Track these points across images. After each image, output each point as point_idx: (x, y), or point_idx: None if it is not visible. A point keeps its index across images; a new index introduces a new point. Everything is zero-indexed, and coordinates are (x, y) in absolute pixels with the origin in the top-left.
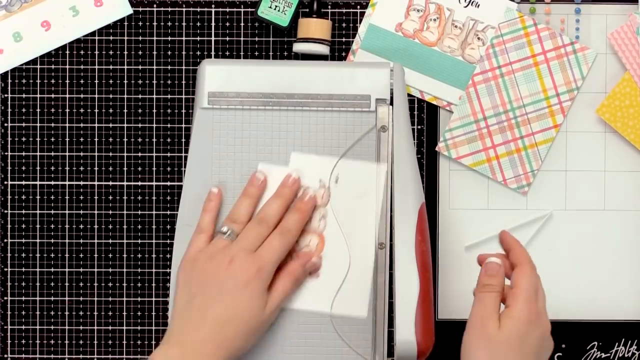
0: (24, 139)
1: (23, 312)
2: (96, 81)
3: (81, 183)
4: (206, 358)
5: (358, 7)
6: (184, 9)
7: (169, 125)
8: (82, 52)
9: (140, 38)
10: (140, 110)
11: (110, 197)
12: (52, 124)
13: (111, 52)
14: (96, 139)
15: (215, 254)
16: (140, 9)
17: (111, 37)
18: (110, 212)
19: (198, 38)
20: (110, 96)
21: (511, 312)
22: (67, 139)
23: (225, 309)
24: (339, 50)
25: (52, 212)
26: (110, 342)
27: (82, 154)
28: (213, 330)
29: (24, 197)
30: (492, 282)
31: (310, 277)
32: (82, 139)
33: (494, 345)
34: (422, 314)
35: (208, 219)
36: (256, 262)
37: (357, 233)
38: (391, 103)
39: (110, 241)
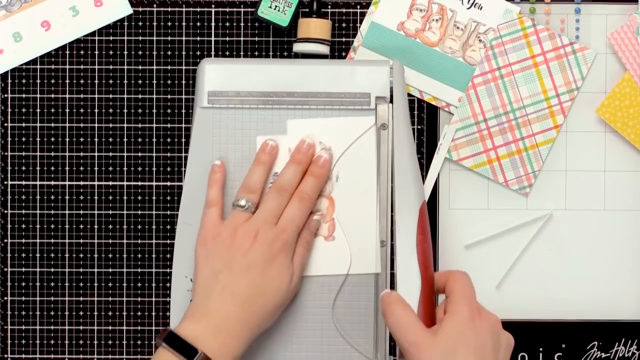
0: (24, 139)
1: (23, 312)
2: (96, 81)
3: (81, 183)
4: (234, 332)
5: (358, 6)
6: (184, 9)
7: (169, 125)
8: (82, 52)
9: (140, 38)
10: (140, 110)
11: (110, 197)
12: (52, 124)
13: (111, 52)
14: (96, 139)
15: (238, 228)
16: (140, 9)
17: (111, 37)
18: (110, 212)
19: (198, 38)
20: (110, 96)
21: (450, 314)
22: (67, 139)
23: (252, 284)
24: (339, 50)
25: (52, 212)
26: (110, 342)
27: (82, 154)
28: (240, 306)
29: (24, 197)
30: (392, 299)
31: (326, 240)
32: (82, 139)
33: (439, 349)
34: (424, 311)
35: (215, 191)
36: (280, 235)
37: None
38: (391, 101)
39: (110, 241)
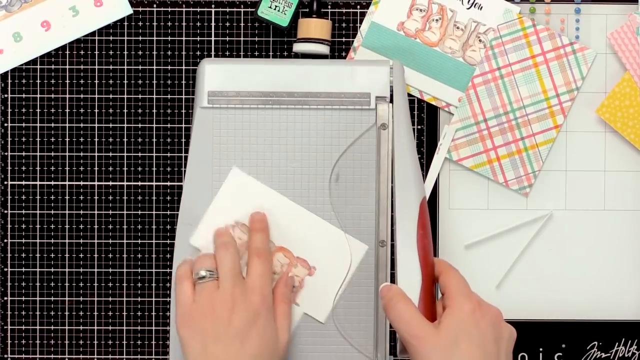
0: (24, 139)
1: (23, 312)
2: (96, 81)
3: (81, 183)
4: None
5: (358, 7)
6: (184, 9)
7: (169, 125)
8: (82, 52)
9: (140, 38)
10: (140, 110)
11: (110, 197)
12: (52, 124)
13: (111, 52)
14: (96, 139)
15: (213, 300)
16: (140, 9)
17: (111, 37)
18: (110, 212)
19: (198, 38)
20: (110, 96)
21: (450, 309)
22: (67, 139)
23: (243, 350)
24: (339, 50)
25: (52, 212)
26: (110, 342)
27: (82, 154)
28: None
29: (24, 197)
30: (393, 294)
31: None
32: (82, 139)
33: (442, 341)
34: (425, 306)
35: (185, 267)
36: (256, 292)
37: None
38: (391, 101)
39: (110, 241)
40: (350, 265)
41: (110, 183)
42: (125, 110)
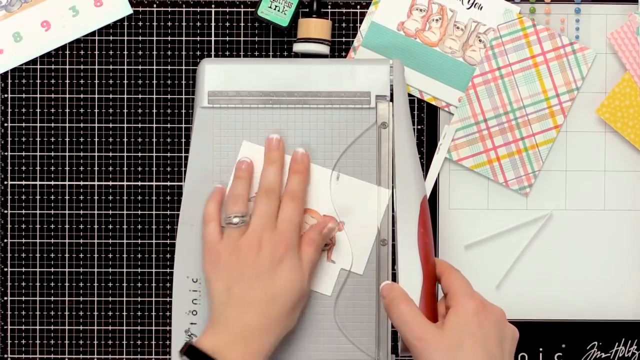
0: (24, 139)
1: (23, 312)
2: (96, 81)
3: (81, 183)
4: (253, 340)
5: (358, 6)
6: (184, 9)
7: (169, 125)
8: (82, 52)
9: (140, 38)
10: (140, 110)
11: (110, 197)
12: (52, 124)
13: (111, 52)
14: (96, 139)
15: (240, 243)
16: (140, 9)
17: (111, 37)
18: (110, 212)
19: (198, 38)
20: (110, 96)
21: (454, 309)
22: (67, 139)
23: (266, 291)
24: (339, 50)
25: (52, 212)
26: (110, 342)
27: (82, 154)
28: (258, 314)
29: (24, 197)
30: (395, 295)
31: (327, 261)
32: (82, 139)
33: (445, 342)
34: (426, 306)
35: (213, 206)
36: (282, 237)
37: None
38: (391, 100)
39: (110, 241)
40: (352, 264)
41: (110, 183)
42: (125, 110)
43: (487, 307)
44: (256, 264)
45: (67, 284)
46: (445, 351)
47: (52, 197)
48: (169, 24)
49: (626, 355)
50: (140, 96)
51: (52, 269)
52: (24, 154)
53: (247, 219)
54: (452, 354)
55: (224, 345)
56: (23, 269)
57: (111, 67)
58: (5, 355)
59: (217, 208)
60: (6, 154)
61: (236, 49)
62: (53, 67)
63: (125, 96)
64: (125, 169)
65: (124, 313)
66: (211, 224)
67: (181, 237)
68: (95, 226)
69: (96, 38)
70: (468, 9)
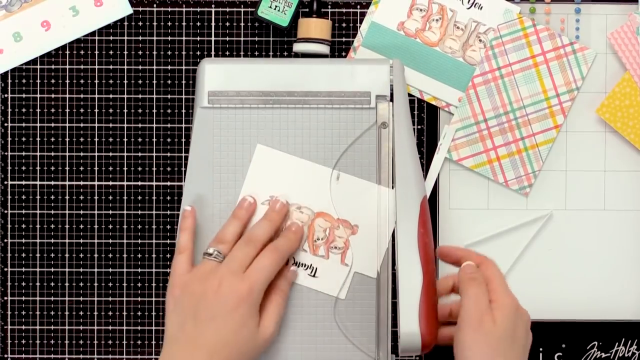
0: (24, 139)
1: (23, 312)
2: (96, 81)
3: (81, 183)
4: None
5: (358, 6)
6: (184, 9)
7: (169, 125)
8: (82, 52)
9: (140, 38)
10: (140, 110)
11: (110, 197)
12: (52, 124)
13: (111, 52)
14: (96, 139)
15: (204, 277)
16: (140, 9)
17: (111, 37)
18: (110, 212)
19: (198, 38)
20: (110, 96)
21: (498, 304)
22: (67, 139)
23: (216, 335)
24: (339, 50)
25: (52, 212)
26: (110, 342)
27: (82, 154)
28: (207, 356)
29: (24, 197)
30: (478, 276)
31: (341, 264)
32: (82, 139)
33: (493, 340)
34: (426, 305)
35: (185, 237)
36: (245, 283)
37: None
38: (391, 99)
39: (110, 241)
40: (352, 264)
41: (110, 183)
42: (125, 110)
43: (521, 308)
44: (212, 304)
45: (67, 284)
46: (497, 341)
47: (52, 197)
48: (169, 24)
49: (626, 355)
50: (140, 96)
51: (52, 269)
52: (24, 154)
53: (222, 259)
54: (501, 343)
55: None
56: (23, 269)
57: (111, 67)
58: (5, 355)
59: (190, 239)
60: (6, 154)
61: (236, 49)
62: (53, 67)
63: (125, 96)
64: (125, 169)
65: (124, 313)
66: (182, 255)
67: None
68: (95, 226)
69: (96, 38)
70: (468, 8)
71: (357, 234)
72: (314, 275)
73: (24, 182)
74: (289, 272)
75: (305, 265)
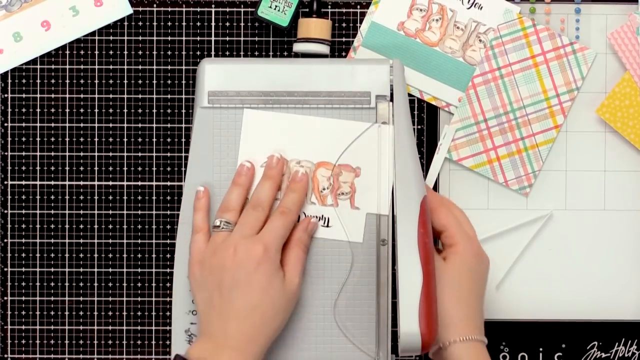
0: (24, 139)
1: (23, 312)
2: (96, 81)
3: (81, 183)
4: (239, 349)
5: (358, 6)
6: (184, 9)
7: (169, 125)
8: (82, 52)
9: (140, 38)
10: (140, 110)
11: (110, 197)
12: (52, 124)
13: (111, 52)
14: (96, 139)
15: (217, 248)
16: (140, 9)
17: (111, 37)
18: (110, 212)
19: (198, 38)
20: (110, 96)
21: (456, 249)
22: (67, 139)
23: (244, 300)
24: (339, 50)
25: (52, 212)
26: (110, 342)
27: (82, 154)
28: (240, 322)
29: (24, 197)
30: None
31: (352, 208)
32: (82, 139)
33: (444, 278)
34: (426, 305)
35: (200, 216)
36: (260, 243)
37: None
38: (391, 99)
39: (110, 241)
40: (352, 264)
41: (110, 183)
42: (125, 110)
43: (482, 253)
44: (233, 272)
45: (67, 284)
46: (447, 283)
47: (52, 197)
48: (169, 24)
49: (626, 355)
50: (140, 96)
51: (52, 269)
52: (24, 154)
53: (233, 227)
54: (453, 287)
55: (209, 355)
56: (23, 269)
57: (111, 67)
58: (5, 355)
59: (205, 218)
60: (6, 154)
61: (236, 49)
62: (53, 67)
63: (125, 96)
64: (125, 169)
65: (124, 313)
66: (199, 234)
67: (181, 237)
68: (95, 226)
69: (96, 38)
70: (468, 9)
71: (361, 176)
72: (327, 226)
73: (24, 182)
74: (309, 223)
75: (316, 218)
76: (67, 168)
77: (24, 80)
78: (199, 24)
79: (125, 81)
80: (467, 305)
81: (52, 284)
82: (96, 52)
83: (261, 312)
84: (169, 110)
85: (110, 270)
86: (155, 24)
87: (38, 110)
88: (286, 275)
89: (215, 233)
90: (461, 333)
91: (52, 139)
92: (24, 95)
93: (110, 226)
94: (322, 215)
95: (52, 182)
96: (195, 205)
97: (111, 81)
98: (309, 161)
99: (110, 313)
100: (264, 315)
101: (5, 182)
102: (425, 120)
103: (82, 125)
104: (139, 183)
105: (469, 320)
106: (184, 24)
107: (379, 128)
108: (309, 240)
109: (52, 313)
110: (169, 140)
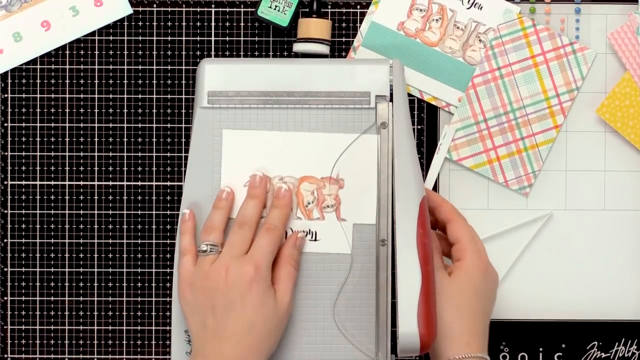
0: (24, 139)
1: (23, 312)
2: (96, 81)
3: (81, 183)
4: None
5: (358, 6)
6: (184, 9)
7: (169, 125)
8: (82, 52)
9: (140, 38)
10: (140, 110)
11: (110, 197)
12: (52, 124)
13: (111, 52)
14: (96, 139)
15: (208, 270)
16: (140, 9)
17: (111, 37)
18: (110, 212)
19: (198, 38)
20: (110, 96)
21: (463, 264)
22: (67, 139)
23: (238, 321)
24: (339, 50)
25: (52, 212)
26: (110, 342)
27: (82, 154)
28: (235, 345)
29: (24, 197)
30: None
31: (338, 220)
32: (82, 139)
33: (448, 292)
34: (425, 306)
35: (187, 239)
36: (250, 262)
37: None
38: (391, 100)
39: (110, 241)
40: (351, 265)
41: (110, 183)
42: (125, 110)
43: (490, 269)
44: (226, 294)
45: (67, 284)
46: (450, 298)
47: (52, 197)
48: (169, 24)
49: (626, 355)
50: (140, 96)
51: (52, 269)
52: (24, 154)
53: (220, 249)
54: (456, 301)
55: None
56: (23, 269)
57: (111, 67)
58: (5, 355)
59: (192, 240)
60: (6, 154)
61: (236, 49)
62: (53, 67)
63: (125, 96)
64: (125, 169)
65: (124, 313)
66: (186, 257)
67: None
68: (95, 226)
69: (96, 38)
70: (468, 9)
71: (345, 187)
72: (315, 240)
73: (24, 182)
74: (297, 239)
75: (304, 232)
76: (67, 168)
77: (24, 80)
78: (198, 24)
79: (125, 81)
80: (469, 320)
81: (52, 284)
82: (96, 52)
83: (256, 332)
84: (169, 110)
85: (110, 270)
86: (155, 24)
87: (38, 110)
88: (277, 294)
89: (202, 257)
90: (462, 349)
91: (52, 139)
92: (24, 95)
93: (110, 226)
94: (310, 230)
95: (52, 182)
96: (181, 228)
97: (111, 81)
98: (291, 177)
99: (110, 313)
100: (259, 335)
101: (5, 182)
102: (425, 120)
103: (82, 125)
104: (139, 183)
105: (471, 335)
106: (183, 24)
107: (363, 138)
108: (299, 255)
109: (52, 313)
110: (169, 140)
